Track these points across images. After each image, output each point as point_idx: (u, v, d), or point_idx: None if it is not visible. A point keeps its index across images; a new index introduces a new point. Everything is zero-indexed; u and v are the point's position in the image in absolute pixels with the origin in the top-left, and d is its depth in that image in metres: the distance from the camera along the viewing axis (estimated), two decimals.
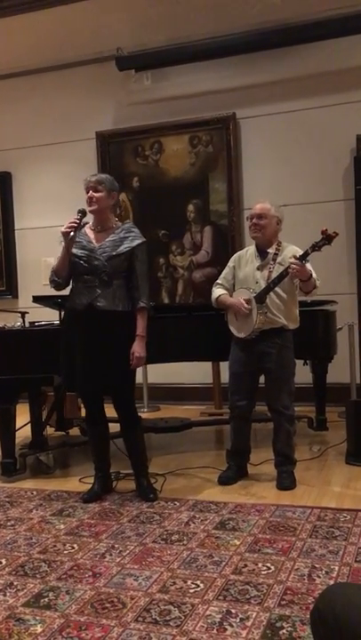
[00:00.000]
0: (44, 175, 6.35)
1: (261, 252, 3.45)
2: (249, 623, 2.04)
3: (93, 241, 3.23)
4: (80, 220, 3.18)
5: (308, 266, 3.26)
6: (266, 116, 5.62)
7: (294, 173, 5.53)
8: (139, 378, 4.58)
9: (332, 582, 2.29)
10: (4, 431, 3.71)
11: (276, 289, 3.33)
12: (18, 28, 6.17)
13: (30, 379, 3.75)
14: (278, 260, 3.39)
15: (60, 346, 3.33)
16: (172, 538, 2.77)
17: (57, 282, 3.26)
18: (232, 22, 5.48)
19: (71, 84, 6.19)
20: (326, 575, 2.35)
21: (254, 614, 2.09)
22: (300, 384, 4.05)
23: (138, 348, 3.18)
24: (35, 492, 3.48)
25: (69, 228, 3.13)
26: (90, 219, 3.32)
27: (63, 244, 3.18)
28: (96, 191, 3.24)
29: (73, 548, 2.71)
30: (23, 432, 4.21)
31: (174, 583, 2.34)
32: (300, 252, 3.31)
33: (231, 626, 2.03)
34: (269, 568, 2.43)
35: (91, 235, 3.28)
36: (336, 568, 2.41)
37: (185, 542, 2.71)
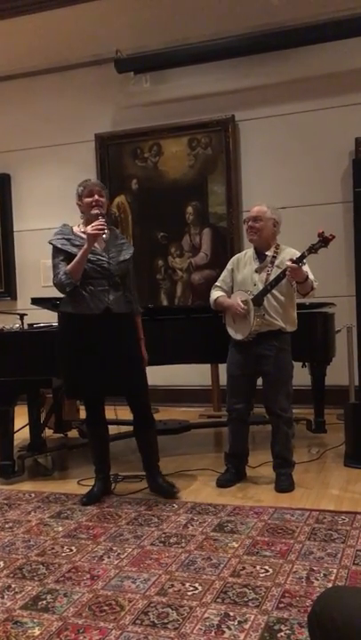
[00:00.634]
0: (43, 177, 6.36)
1: (260, 255, 3.46)
2: (247, 626, 2.03)
3: (96, 245, 3.22)
4: (106, 223, 3.16)
5: (306, 268, 3.26)
6: (265, 118, 5.63)
7: (293, 176, 5.54)
8: None
9: (330, 585, 2.29)
10: (2, 433, 3.71)
11: (274, 291, 3.33)
12: (17, 31, 6.18)
13: (29, 381, 3.75)
14: (276, 262, 3.39)
15: (62, 353, 3.29)
16: (171, 540, 2.76)
17: (74, 284, 3.15)
18: (231, 25, 5.49)
19: (70, 87, 6.19)
20: (324, 578, 2.35)
21: (252, 617, 2.09)
22: (299, 386, 4.05)
23: (144, 351, 3.34)
24: (33, 495, 3.48)
25: (100, 229, 3.10)
26: (82, 225, 3.30)
27: (85, 246, 3.11)
28: (101, 195, 3.25)
29: (71, 550, 2.71)
30: (22, 434, 4.21)
31: (172, 586, 2.34)
32: (297, 255, 3.31)
33: (229, 629, 2.02)
34: (268, 571, 2.43)
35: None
36: (334, 571, 2.41)
37: (183, 545, 2.71)
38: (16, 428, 3.85)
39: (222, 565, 2.49)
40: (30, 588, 2.37)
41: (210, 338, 3.89)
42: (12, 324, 4.10)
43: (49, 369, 3.70)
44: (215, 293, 3.55)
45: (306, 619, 1.57)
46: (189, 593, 2.28)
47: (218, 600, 2.21)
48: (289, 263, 3.19)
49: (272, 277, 3.34)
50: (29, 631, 2.06)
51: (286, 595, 2.23)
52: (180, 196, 5.86)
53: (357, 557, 2.51)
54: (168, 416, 5.18)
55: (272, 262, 3.40)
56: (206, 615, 2.11)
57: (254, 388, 3.54)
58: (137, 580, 2.39)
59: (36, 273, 6.37)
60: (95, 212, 3.20)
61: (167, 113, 5.87)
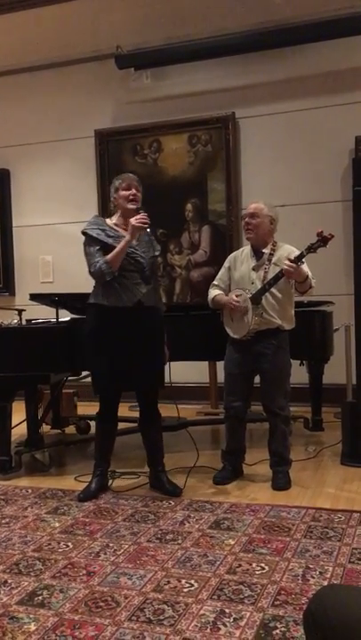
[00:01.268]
0: (43, 173, 6.35)
1: (257, 253, 3.45)
2: (242, 623, 2.04)
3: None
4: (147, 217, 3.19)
5: (304, 267, 3.26)
6: (265, 116, 5.62)
7: (293, 174, 5.54)
8: None
9: (325, 583, 2.29)
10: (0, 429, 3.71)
11: (272, 289, 3.33)
12: (17, 25, 6.16)
13: (27, 376, 3.75)
14: (274, 260, 3.39)
15: (91, 345, 3.28)
16: (167, 537, 2.77)
17: (113, 273, 3.15)
18: (232, 22, 5.48)
19: (70, 82, 6.18)
20: (320, 576, 2.36)
21: (248, 614, 2.09)
22: (297, 384, 4.06)
23: (166, 348, 3.38)
24: (30, 490, 3.48)
25: (145, 223, 3.12)
26: (115, 218, 3.33)
27: (127, 237, 3.12)
28: (138, 190, 3.28)
29: (67, 546, 2.71)
30: (19, 430, 4.21)
31: (168, 582, 2.34)
32: (295, 252, 3.32)
33: (225, 625, 2.03)
34: (263, 568, 2.44)
35: (123, 233, 3.25)
36: (330, 569, 2.41)
37: (179, 542, 2.71)
38: (13, 423, 3.85)
39: (218, 562, 2.50)
40: (26, 583, 2.37)
41: (208, 335, 3.89)
42: (10, 319, 4.10)
43: (47, 365, 3.70)
44: (213, 292, 3.55)
45: (301, 616, 1.58)
46: (185, 590, 2.28)
47: (214, 597, 2.22)
48: (288, 263, 3.19)
49: (270, 275, 3.33)
50: (25, 627, 2.06)
51: (282, 592, 2.24)
52: (180, 193, 5.85)
53: (353, 555, 2.52)
54: (165, 413, 5.15)
55: (269, 260, 3.39)
56: (202, 612, 2.12)
57: (252, 386, 3.55)
58: (133, 577, 2.40)
59: (35, 269, 6.37)
60: (132, 206, 3.22)
61: (167, 109, 5.86)
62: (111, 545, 2.70)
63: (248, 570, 2.43)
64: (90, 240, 3.22)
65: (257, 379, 3.51)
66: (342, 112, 5.38)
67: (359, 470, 3.66)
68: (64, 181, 6.25)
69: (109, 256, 3.13)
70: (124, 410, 3.58)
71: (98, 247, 3.18)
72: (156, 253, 3.38)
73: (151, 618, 2.09)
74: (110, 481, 3.50)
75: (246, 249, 3.53)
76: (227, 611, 2.12)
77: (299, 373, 4.39)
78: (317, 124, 5.46)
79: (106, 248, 3.16)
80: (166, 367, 3.40)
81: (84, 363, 3.88)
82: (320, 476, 3.61)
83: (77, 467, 3.91)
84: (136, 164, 6.02)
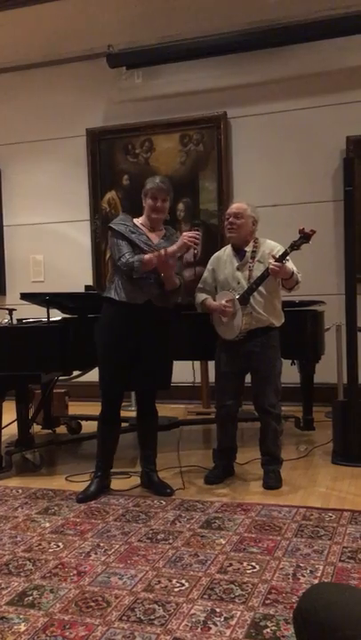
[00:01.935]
0: (34, 172, 6.33)
1: (239, 252, 3.44)
2: (233, 622, 2.04)
3: (151, 239, 3.27)
4: (199, 235, 3.25)
5: (289, 264, 3.27)
6: (257, 115, 5.63)
7: (284, 174, 5.55)
8: None
9: (316, 581, 2.30)
10: None
11: (259, 287, 3.33)
12: (8, 24, 6.14)
13: (17, 376, 3.73)
14: (257, 257, 3.38)
15: (102, 340, 3.30)
16: (158, 537, 2.76)
17: (140, 274, 3.17)
18: (224, 21, 5.48)
19: (62, 81, 6.16)
20: (311, 574, 2.36)
21: (238, 613, 2.09)
22: (288, 384, 4.07)
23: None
24: (20, 490, 3.47)
25: (195, 243, 3.18)
26: (142, 219, 3.37)
27: (174, 248, 3.17)
28: (164, 201, 3.32)
29: (58, 546, 2.70)
30: (10, 430, 4.19)
31: (159, 582, 2.34)
32: (278, 247, 3.32)
33: (215, 625, 2.03)
34: (254, 567, 2.44)
35: (147, 233, 3.30)
36: (321, 567, 2.42)
37: (170, 541, 2.71)
38: (4, 423, 3.83)
39: (209, 562, 2.50)
40: (16, 583, 2.36)
41: (200, 335, 3.89)
42: (0, 319, 4.08)
43: (38, 365, 3.69)
44: (200, 296, 3.54)
45: (292, 615, 1.58)
46: (176, 589, 2.28)
47: (204, 596, 2.22)
48: (272, 261, 3.20)
49: (255, 273, 3.33)
50: (15, 627, 2.05)
51: (273, 591, 2.24)
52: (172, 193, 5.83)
53: (344, 554, 2.52)
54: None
55: (253, 257, 3.39)
56: (193, 611, 2.12)
57: (243, 385, 3.55)
58: (124, 577, 2.39)
59: (26, 268, 6.35)
60: (154, 217, 3.29)
61: (159, 109, 5.85)
62: (102, 545, 2.70)
63: (239, 569, 2.43)
64: (115, 234, 3.27)
65: (248, 378, 3.51)
66: (334, 112, 5.40)
67: (350, 469, 3.67)
68: (55, 180, 6.24)
69: (147, 256, 3.17)
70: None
71: (125, 241, 3.22)
72: (178, 254, 3.32)
73: (142, 617, 2.09)
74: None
75: (228, 249, 3.52)
76: (217, 610, 2.12)
77: (290, 373, 4.41)
78: (309, 124, 5.47)
79: (131, 244, 3.21)
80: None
81: (76, 363, 3.89)
82: (311, 475, 3.62)
83: (68, 467, 3.90)
84: (128, 164, 6.01)
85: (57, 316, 4.18)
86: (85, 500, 3.25)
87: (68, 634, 2.00)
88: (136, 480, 3.51)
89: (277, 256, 3.22)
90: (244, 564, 2.47)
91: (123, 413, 3.45)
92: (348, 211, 3.79)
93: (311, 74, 5.46)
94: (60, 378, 4.54)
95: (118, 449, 3.46)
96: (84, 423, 4.71)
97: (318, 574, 2.37)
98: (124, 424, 3.65)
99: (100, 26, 5.89)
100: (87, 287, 4.86)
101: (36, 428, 4.43)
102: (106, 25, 5.86)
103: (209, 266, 3.58)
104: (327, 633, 1.18)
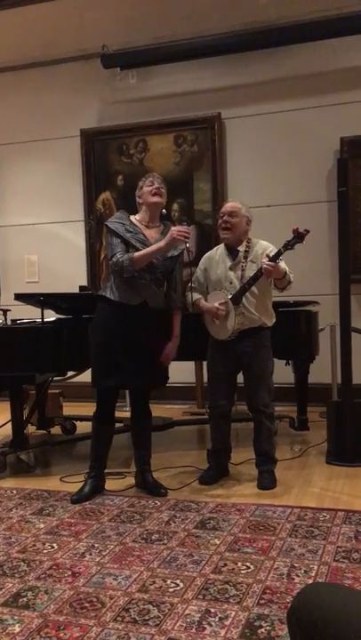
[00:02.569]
0: (28, 172, 6.31)
1: (231, 251, 3.45)
2: (228, 622, 2.04)
3: (148, 238, 3.25)
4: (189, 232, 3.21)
5: (282, 264, 3.27)
6: (251, 116, 5.63)
7: (278, 174, 5.56)
8: None
9: (310, 581, 2.30)
10: None
11: (251, 287, 3.33)
12: (2, 24, 6.12)
13: (11, 377, 3.72)
14: (250, 257, 3.39)
15: (94, 339, 3.31)
16: (153, 537, 2.77)
17: (132, 272, 3.15)
18: (219, 22, 5.49)
19: (56, 81, 6.15)
20: (305, 574, 2.37)
21: (233, 613, 2.10)
22: (282, 384, 4.07)
23: (173, 350, 3.36)
24: (15, 491, 3.46)
25: (185, 237, 3.13)
26: (138, 215, 3.36)
27: (161, 244, 3.13)
28: (160, 185, 3.31)
29: (52, 547, 2.70)
30: (4, 430, 4.18)
31: (154, 582, 2.34)
32: (270, 247, 3.33)
33: (210, 625, 2.03)
34: (249, 567, 2.44)
35: (144, 230, 3.27)
36: (315, 567, 2.42)
37: (165, 542, 2.71)
38: None
39: (204, 562, 2.50)
40: (11, 585, 2.36)
41: (194, 335, 3.88)
42: None
43: (32, 365, 3.68)
44: (192, 296, 3.53)
45: (285, 615, 1.58)
46: (171, 589, 2.28)
47: (199, 597, 2.22)
48: (265, 261, 3.20)
49: (247, 273, 3.34)
50: (9, 628, 2.05)
51: (267, 591, 2.24)
52: (166, 192, 5.83)
53: (338, 554, 2.53)
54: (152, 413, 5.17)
55: (245, 257, 3.39)
56: (187, 612, 2.12)
57: (235, 385, 3.56)
58: (118, 577, 2.39)
59: (21, 268, 6.34)
60: (154, 199, 3.26)
61: (153, 109, 5.85)
62: (96, 545, 2.70)
63: (233, 569, 2.43)
64: (110, 232, 3.27)
65: (240, 378, 3.51)
66: (328, 113, 5.41)
67: (344, 469, 3.68)
68: (49, 181, 6.22)
69: (136, 254, 3.14)
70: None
71: (119, 240, 3.21)
72: (175, 254, 3.30)
73: (136, 618, 2.09)
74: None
75: (221, 248, 3.52)
76: (212, 610, 2.12)
77: (284, 373, 4.41)
78: (303, 125, 5.48)
79: (124, 242, 3.20)
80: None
81: (70, 363, 3.88)
82: (306, 475, 3.63)
83: (63, 467, 3.90)
84: (122, 164, 6.01)
85: (51, 316, 4.18)
86: (80, 500, 3.25)
87: (62, 635, 2.00)
88: (130, 480, 3.51)
89: (271, 255, 3.23)
90: (239, 564, 2.47)
91: (117, 414, 3.45)
92: (342, 211, 3.80)
93: (305, 75, 5.47)
94: (55, 378, 4.54)
95: (112, 449, 3.46)
96: (78, 424, 4.71)
97: (313, 574, 2.37)
98: (118, 424, 3.65)
99: (94, 26, 5.88)
100: (81, 288, 4.86)
101: (31, 428, 4.42)
102: (100, 25, 5.86)
103: (201, 265, 3.58)
104: (321, 633, 1.18)
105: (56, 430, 4.72)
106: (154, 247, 3.14)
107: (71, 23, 5.96)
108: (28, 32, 6.09)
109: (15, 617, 2.12)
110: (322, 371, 4.83)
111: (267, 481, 3.42)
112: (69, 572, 2.45)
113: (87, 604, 2.19)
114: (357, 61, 5.35)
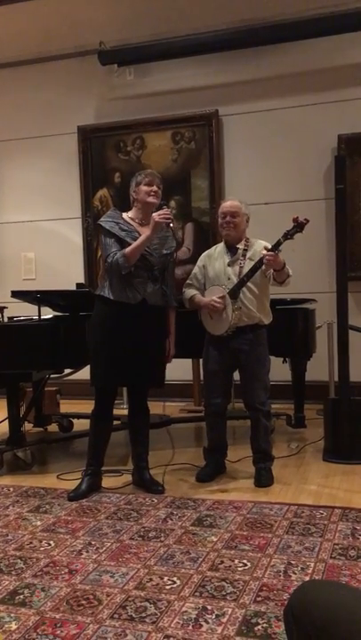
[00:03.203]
0: (25, 169, 6.29)
1: (231, 248, 3.45)
2: (225, 619, 2.04)
3: (141, 235, 3.23)
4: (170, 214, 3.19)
5: (281, 256, 3.28)
6: (249, 113, 5.63)
7: (276, 171, 5.55)
8: None
9: (307, 578, 2.31)
10: None
11: (249, 283, 3.33)
12: None
13: (8, 374, 3.72)
14: (248, 255, 3.39)
15: (93, 337, 3.30)
16: (150, 534, 2.76)
17: (129, 268, 3.14)
18: (216, 19, 5.47)
19: (53, 78, 6.14)
20: (302, 571, 2.37)
21: (230, 610, 2.10)
22: (279, 382, 4.08)
23: (173, 348, 3.39)
24: (12, 489, 3.46)
25: (167, 219, 3.12)
26: (131, 212, 3.34)
27: (148, 233, 3.11)
28: (159, 187, 3.31)
29: (49, 544, 2.69)
30: (1, 428, 4.17)
31: (151, 580, 2.34)
32: (270, 246, 3.33)
33: (207, 622, 2.03)
34: (246, 564, 2.44)
35: (137, 228, 3.25)
36: (312, 564, 2.43)
37: (162, 539, 2.71)
38: None
39: (201, 559, 2.50)
40: (7, 582, 2.36)
41: (191, 332, 3.88)
42: None
43: (29, 362, 3.67)
44: (189, 292, 3.52)
45: (282, 612, 1.58)
46: (168, 587, 2.28)
47: (196, 594, 2.22)
48: (266, 252, 3.20)
49: (245, 270, 3.34)
50: (6, 625, 2.05)
51: (264, 588, 2.24)
52: (163, 190, 5.82)
53: (335, 551, 2.53)
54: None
55: (244, 255, 3.40)
56: (184, 609, 2.12)
57: (231, 383, 3.56)
58: (115, 575, 2.39)
59: (17, 266, 6.32)
60: (151, 199, 3.24)
61: (151, 106, 5.84)
62: (93, 543, 2.69)
63: (230, 566, 2.43)
64: (104, 232, 3.25)
65: (236, 376, 3.51)
66: (325, 110, 5.41)
67: (341, 466, 3.68)
68: (46, 178, 6.21)
69: (127, 249, 3.13)
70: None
71: (114, 239, 3.20)
72: (169, 250, 3.30)
73: (133, 615, 2.09)
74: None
75: (220, 246, 3.53)
76: (209, 607, 2.12)
77: (282, 370, 4.42)
78: (301, 122, 5.48)
79: (119, 241, 3.18)
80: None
81: (67, 361, 3.88)
82: (302, 472, 3.63)
83: (60, 465, 3.89)
84: (119, 161, 6.00)
85: (48, 313, 4.17)
86: (77, 498, 3.25)
87: (59, 632, 2.00)
88: (127, 478, 3.51)
89: (270, 246, 3.23)
90: (236, 561, 2.47)
91: (114, 411, 3.44)
92: (340, 209, 3.80)
93: (303, 72, 5.46)
94: (52, 376, 4.53)
95: (110, 447, 3.46)
96: (75, 421, 4.71)
97: (309, 571, 2.38)
98: (115, 422, 3.64)
99: (91, 23, 5.86)
100: (79, 285, 4.85)
101: (28, 426, 4.42)
102: (97, 22, 5.84)
103: (199, 262, 3.58)
104: (317, 630, 1.19)
105: (53, 428, 4.72)
106: (142, 238, 3.13)
107: (68, 19, 5.94)
108: (24, 28, 6.06)
109: (12, 614, 2.12)
110: (319, 368, 4.83)
111: (264, 478, 3.42)
112: (66, 570, 2.44)
113: (84, 602, 2.19)
114: (355, 59, 5.35)
